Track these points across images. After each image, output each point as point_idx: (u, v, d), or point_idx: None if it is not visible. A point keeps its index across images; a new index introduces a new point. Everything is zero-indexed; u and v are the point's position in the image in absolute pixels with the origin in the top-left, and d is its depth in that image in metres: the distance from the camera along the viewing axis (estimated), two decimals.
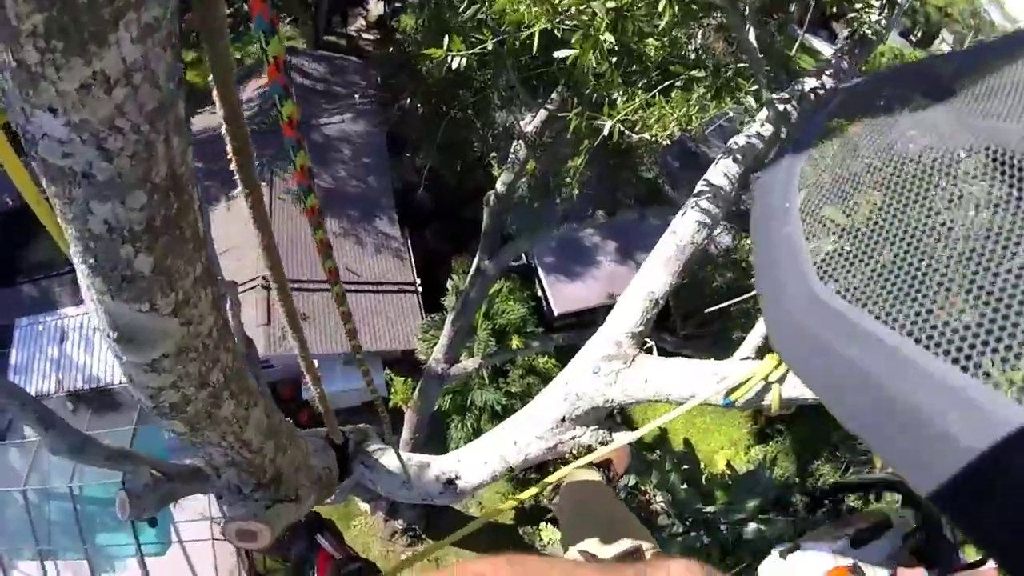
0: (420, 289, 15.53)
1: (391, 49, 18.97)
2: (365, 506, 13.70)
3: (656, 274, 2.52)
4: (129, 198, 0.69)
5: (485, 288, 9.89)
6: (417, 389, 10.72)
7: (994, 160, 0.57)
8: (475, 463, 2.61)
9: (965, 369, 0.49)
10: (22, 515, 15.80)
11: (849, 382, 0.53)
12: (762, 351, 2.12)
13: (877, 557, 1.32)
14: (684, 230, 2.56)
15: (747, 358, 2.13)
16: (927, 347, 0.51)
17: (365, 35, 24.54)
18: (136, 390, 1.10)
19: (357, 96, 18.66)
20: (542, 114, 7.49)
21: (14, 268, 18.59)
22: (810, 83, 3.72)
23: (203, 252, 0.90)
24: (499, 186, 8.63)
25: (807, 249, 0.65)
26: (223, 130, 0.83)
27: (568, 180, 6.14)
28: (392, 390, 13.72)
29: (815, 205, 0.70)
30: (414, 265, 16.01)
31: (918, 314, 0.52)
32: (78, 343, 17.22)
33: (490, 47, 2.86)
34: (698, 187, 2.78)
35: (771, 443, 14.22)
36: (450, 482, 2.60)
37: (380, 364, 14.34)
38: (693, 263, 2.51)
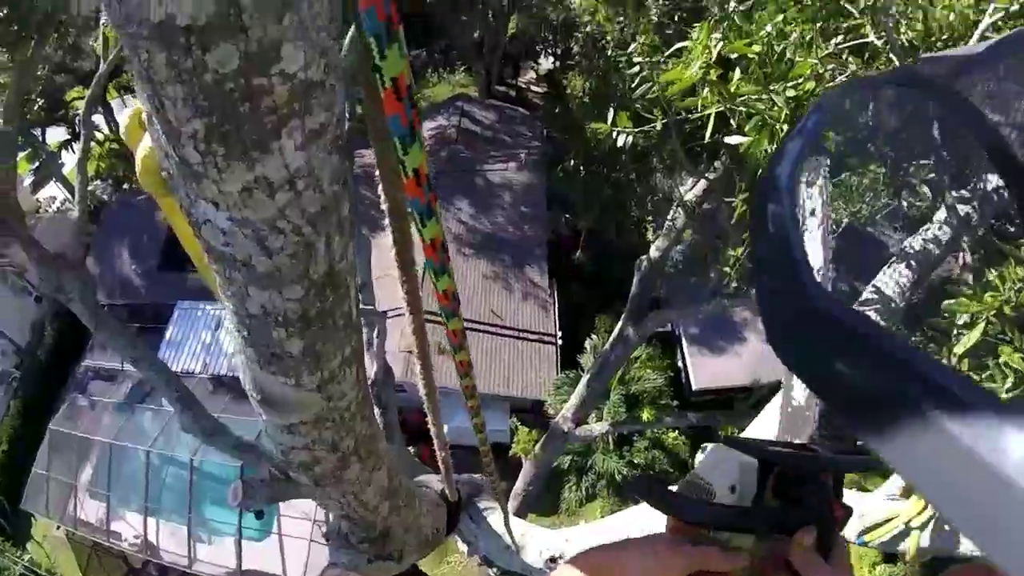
0: (560, 343, 15.52)
1: (558, 108, 19.58)
2: (463, 546, 13.65)
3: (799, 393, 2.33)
4: (286, 290, 0.71)
5: (625, 353, 9.69)
6: (540, 442, 10.64)
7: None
8: (582, 547, 2.51)
9: None
10: (140, 471, 17.26)
11: (849, 390, 0.45)
12: (908, 491, 1.89)
13: None
14: None
15: (892, 496, 1.90)
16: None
17: (534, 88, 25.46)
18: (271, 443, 1.14)
19: (523, 152, 19.32)
20: (703, 183, 7.34)
21: (185, 256, 20.65)
22: (993, 181, 3.34)
23: (354, 336, 0.91)
24: (653, 251, 8.49)
25: (807, 250, 0.57)
26: (387, 220, 0.85)
27: (728, 255, 5.91)
28: (515, 438, 13.71)
29: (816, 203, 0.71)
30: (557, 318, 16.06)
31: None
32: None
33: (659, 127, 2.82)
34: (865, 294, 2.56)
35: None
36: (552, 560, 2.52)
37: (508, 409, 14.41)
38: None
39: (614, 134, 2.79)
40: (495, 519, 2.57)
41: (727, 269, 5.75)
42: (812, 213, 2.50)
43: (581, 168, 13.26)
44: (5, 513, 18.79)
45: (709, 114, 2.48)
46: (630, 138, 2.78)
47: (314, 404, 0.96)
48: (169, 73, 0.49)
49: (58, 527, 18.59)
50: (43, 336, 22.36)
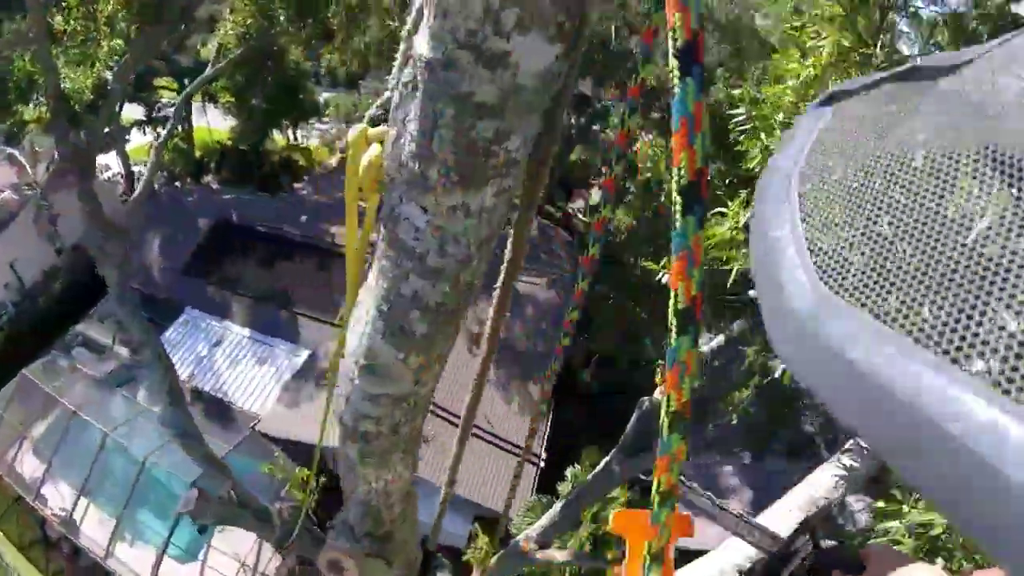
0: (543, 465, 15.45)
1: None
2: None
3: (779, 521, 2.56)
4: (439, 284, 1.06)
5: (606, 489, 9.67)
6: (496, 556, 10.45)
7: (994, 161, 0.57)
8: None
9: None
10: (92, 451, 17.25)
11: (854, 386, 0.53)
12: None
13: None
14: (821, 483, 2.60)
15: None
16: (927, 347, 0.49)
17: (580, 216, 26.53)
18: (344, 408, 1.43)
19: (554, 272, 20.01)
20: (720, 339, 7.65)
21: (221, 270, 21.37)
22: None
23: (451, 341, 1.25)
24: (657, 393, 8.68)
25: (807, 249, 0.66)
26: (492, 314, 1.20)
27: (729, 408, 6.14)
28: (473, 544, 13.42)
29: (815, 203, 0.71)
30: (546, 438, 16.07)
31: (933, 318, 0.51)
32: (228, 355, 19.41)
33: None
34: (848, 443, 2.82)
35: None
36: None
37: (471, 515, 14.20)
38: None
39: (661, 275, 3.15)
40: None
41: (729, 408, 5.96)
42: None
43: (610, 296, 13.72)
44: None
45: (736, 269, 2.85)
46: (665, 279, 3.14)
47: (406, 382, 1.28)
48: (450, 123, 0.86)
49: None
50: (50, 287, 22.80)
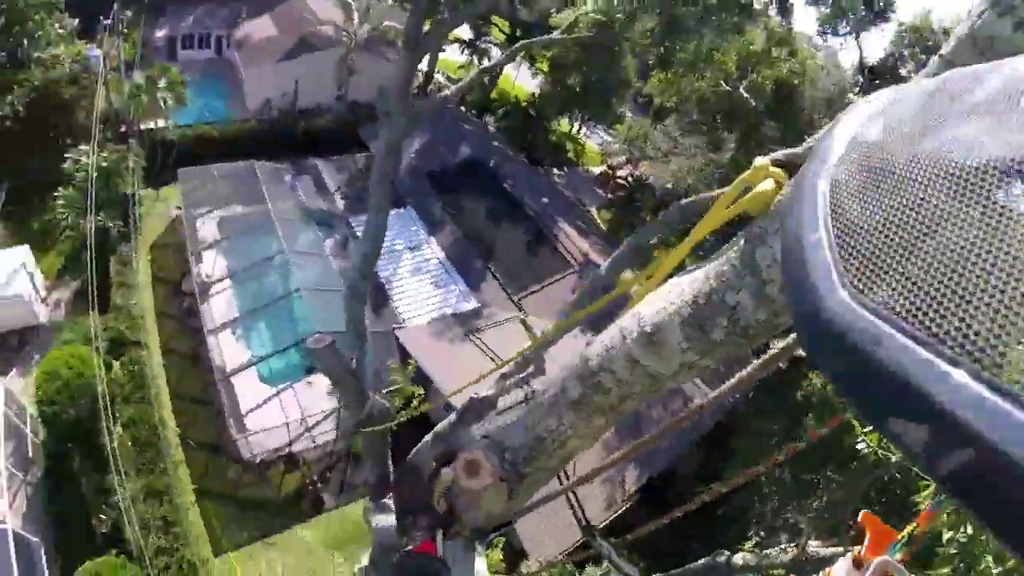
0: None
1: None
2: None
3: None
4: (761, 308, 1.36)
5: None
6: None
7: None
8: None
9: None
10: (260, 252, 20.06)
11: (882, 386, 0.58)
12: None
13: None
14: None
15: None
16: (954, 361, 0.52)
17: None
18: (597, 352, 1.76)
19: None
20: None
21: (452, 196, 24.23)
22: None
23: (708, 365, 1.55)
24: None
25: (837, 256, 0.69)
26: None
27: None
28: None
29: (845, 210, 0.72)
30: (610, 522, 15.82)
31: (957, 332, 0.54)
32: (415, 262, 21.70)
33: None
34: None
35: None
36: None
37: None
38: None
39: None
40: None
41: None
42: None
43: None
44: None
45: None
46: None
47: (668, 370, 1.58)
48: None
49: (178, 207, 22.09)
50: (311, 119, 27.90)
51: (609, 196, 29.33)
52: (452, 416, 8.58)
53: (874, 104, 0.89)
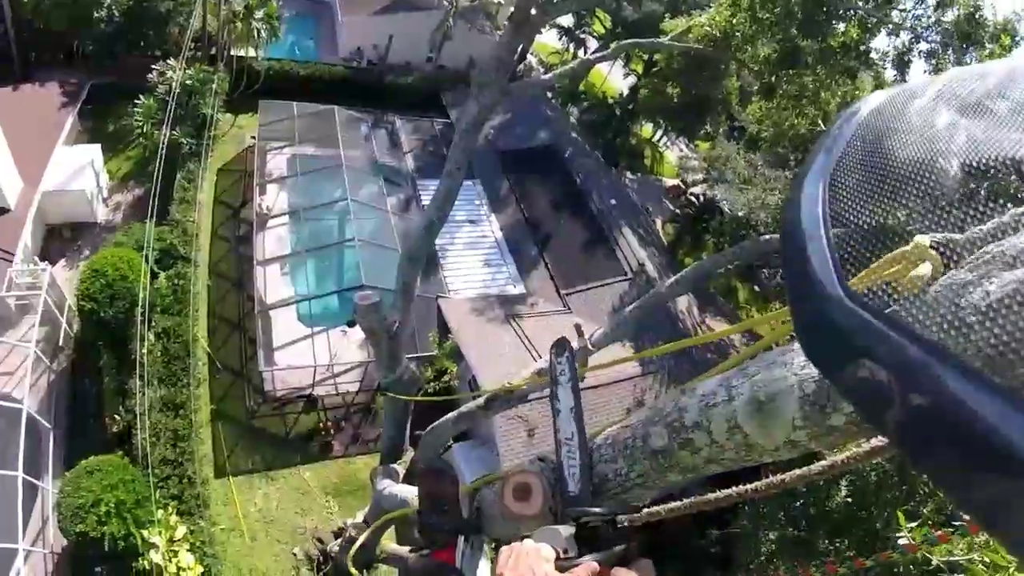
0: None
1: None
2: None
3: None
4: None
5: None
6: None
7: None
8: None
9: None
10: (323, 196, 20.44)
11: (879, 387, 0.60)
12: None
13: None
14: None
15: None
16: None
17: None
18: (695, 406, 1.55)
19: None
20: None
21: (520, 176, 23.06)
22: None
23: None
24: None
25: (835, 253, 0.71)
26: None
27: None
28: None
29: (845, 203, 0.75)
30: None
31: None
32: (470, 236, 21.84)
33: None
34: None
35: None
36: None
37: None
38: None
39: None
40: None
41: None
42: None
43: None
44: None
45: None
46: None
47: (770, 443, 1.39)
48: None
49: (253, 137, 22.70)
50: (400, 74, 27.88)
51: (677, 211, 28.74)
52: (480, 400, 8.52)
53: (874, 103, 0.90)
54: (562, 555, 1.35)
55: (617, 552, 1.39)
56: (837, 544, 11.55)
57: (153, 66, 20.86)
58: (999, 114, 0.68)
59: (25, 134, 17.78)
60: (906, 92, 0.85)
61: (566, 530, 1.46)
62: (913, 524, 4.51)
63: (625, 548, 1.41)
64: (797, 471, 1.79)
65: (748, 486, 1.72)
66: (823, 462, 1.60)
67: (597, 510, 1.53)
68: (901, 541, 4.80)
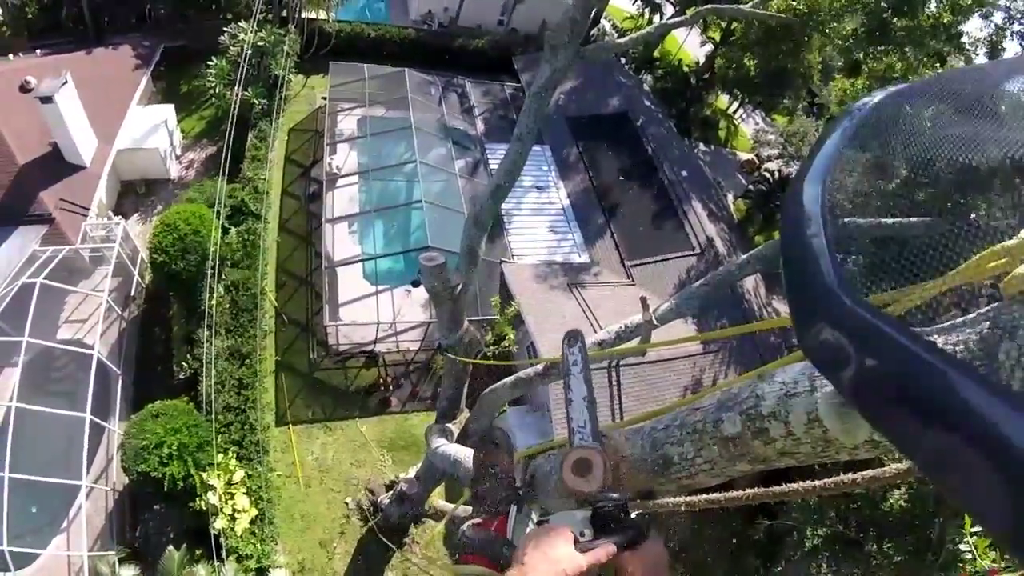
0: None
1: None
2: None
3: None
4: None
5: None
6: None
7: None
8: None
9: None
10: (391, 156, 20.71)
11: (877, 388, 0.62)
12: None
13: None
14: None
15: None
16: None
17: None
18: (782, 403, 1.45)
19: None
20: None
21: (592, 144, 22.77)
22: None
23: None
24: None
25: (835, 257, 0.72)
26: None
27: None
28: None
29: (845, 211, 0.76)
30: None
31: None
32: (537, 202, 21.66)
33: None
34: None
35: None
36: None
37: None
38: None
39: None
40: None
41: None
42: None
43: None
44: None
45: None
46: None
47: (858, 438, 1.30)
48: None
49: (324, 97, 23.19)
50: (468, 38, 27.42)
51: (750, 186, 27.82)
52: (538, 366, 8.52)
53: (871, 103, 0.90)
54: (579, 538, 1.47)
55: (629, 535, 1.48)
56: (886, 548, 11.24)
57: (225, 28, 21.23)
58: (999, 115, 0.70)
59: (100, 96, 18.56)
60: (906, 92, 0.88)
61: (582, 513, 1.60)
62: (976, 528, 4.29)
63: (637, 531, 1.50)
64: (870, 471, 1.70)
65: (816, 482, 1.64)
66: (896, 465, 1.52)
67: (611, 495, 1.63)
68: (965, 553, 4.57)
